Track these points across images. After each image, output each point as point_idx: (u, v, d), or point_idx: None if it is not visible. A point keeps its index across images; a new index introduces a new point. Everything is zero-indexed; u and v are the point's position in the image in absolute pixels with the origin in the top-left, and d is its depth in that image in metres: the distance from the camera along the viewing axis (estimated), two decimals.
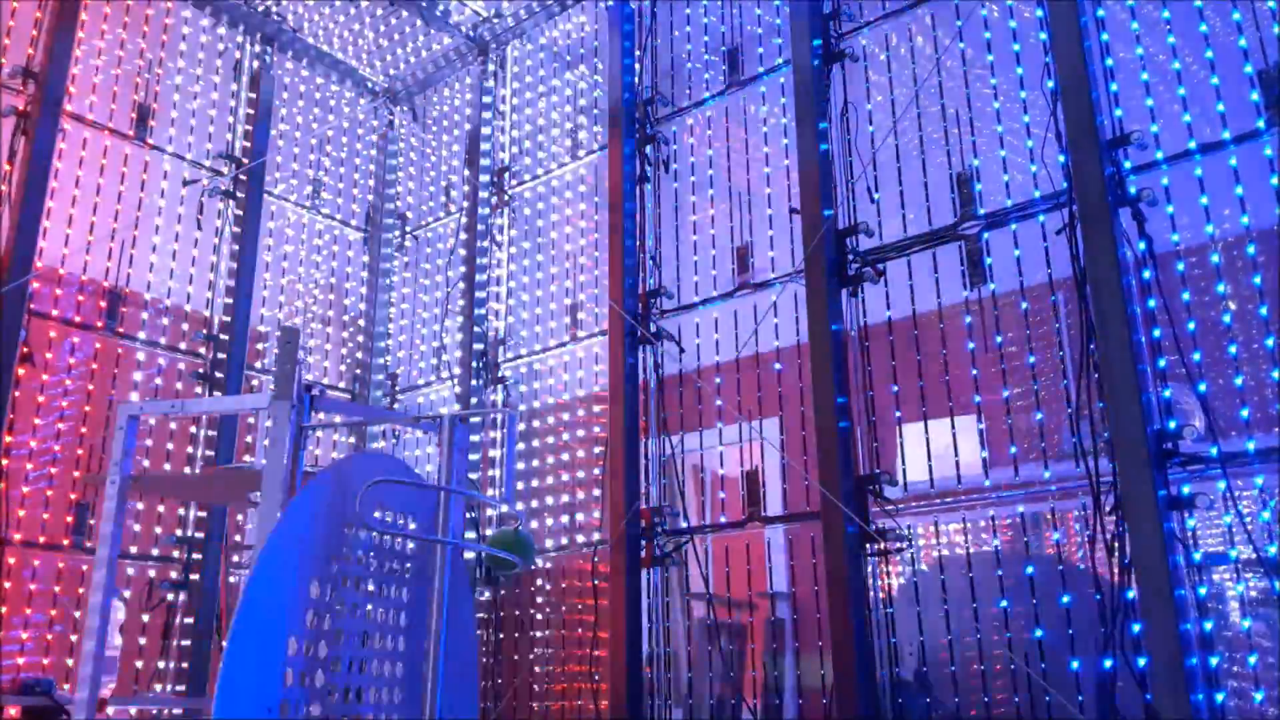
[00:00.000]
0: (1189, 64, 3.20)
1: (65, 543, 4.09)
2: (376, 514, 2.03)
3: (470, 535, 4.72)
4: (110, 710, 3.11)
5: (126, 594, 4.22)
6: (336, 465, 1.94)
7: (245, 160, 5.11)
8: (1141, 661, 2.81)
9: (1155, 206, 3.11)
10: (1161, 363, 3.03)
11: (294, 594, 1.72)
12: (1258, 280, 2.96)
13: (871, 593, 3.44)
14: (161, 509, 4.49)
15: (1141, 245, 3.11)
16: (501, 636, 4.66)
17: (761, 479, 4.00)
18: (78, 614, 4.00)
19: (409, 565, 2.10)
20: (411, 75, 5.90)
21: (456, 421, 2.02)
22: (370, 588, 2.01)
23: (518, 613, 4.65)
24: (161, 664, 4.32)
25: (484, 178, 5.31)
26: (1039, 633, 3.13)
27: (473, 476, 4.81)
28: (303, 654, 1.74)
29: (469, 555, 4.50)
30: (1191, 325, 3.03)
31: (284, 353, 2.08)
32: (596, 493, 4.51)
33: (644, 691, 3.97)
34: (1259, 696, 2.75)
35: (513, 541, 2.11)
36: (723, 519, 4.08)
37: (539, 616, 4.64)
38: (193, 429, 4.69)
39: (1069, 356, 3.26)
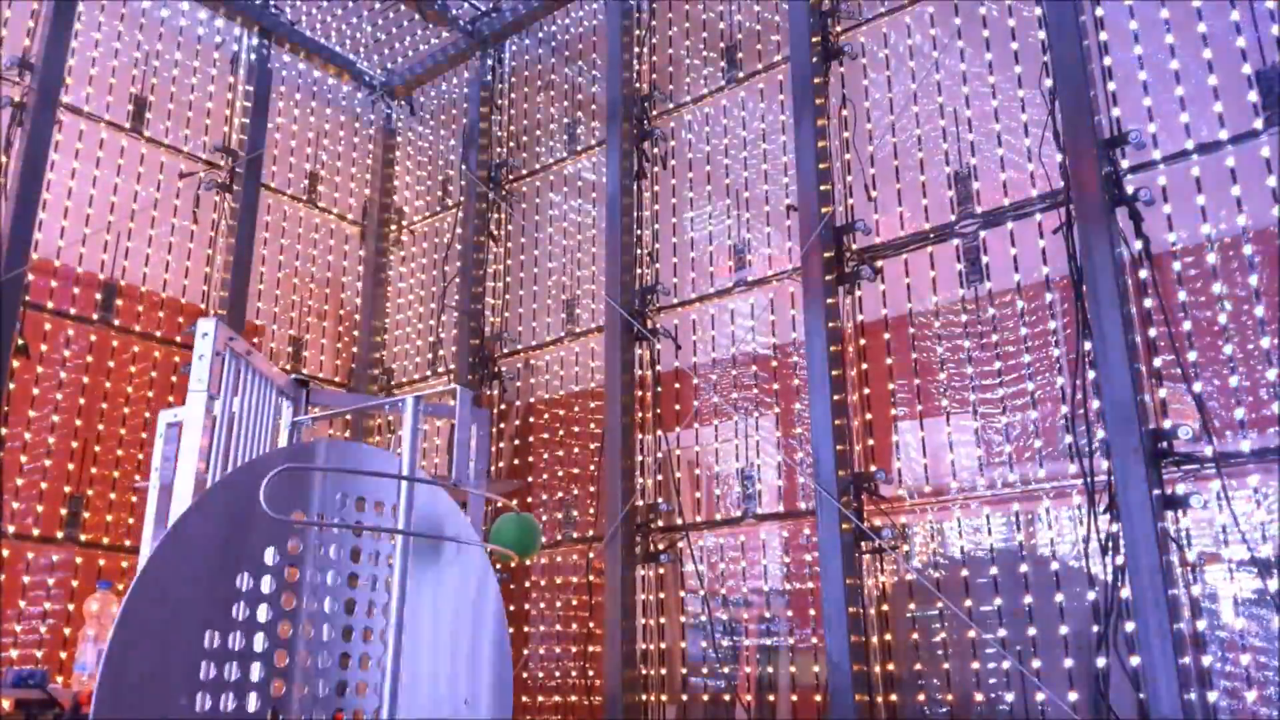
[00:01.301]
0: (1187, 64, 3.19)
1: (59, 535, 4.09)
2: (351, 508, 2.00)
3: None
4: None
5: (120, 586, 4.20)
6: (261, 456, 1.91)
7: (242, 153, 5.10)
8: (1135, 660, 2.81)
9: (1152, 206, 3.11)
10: (1157, 362, 3.04)
11: (210, 587, 1.73)
12: (1254, 280, 2.96)
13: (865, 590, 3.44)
14: None
15: (1138, 244, 3.11)
16: None
17: (757, 476, 3.99)
18: (71, 607, 4.00)
19: (385, 559, 2.08)
20: (409, 69, 5.88)
21: (419, 404, 1.98)
22: (356, 581, 1.99)
23: (512, 608, 4.65)
24: None
25: (482, 172, 5.30)
26: (1032, 630, 3.13)
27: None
28: (239, 648, 1.74)
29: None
30: (1187, 325, 3.04)
31: (200, 344, 2.07)
32: (592, 489, 4.50)
33: (639, 688, 3.98)
34: (1251, 696, 2.75)
35: (512, 528, 2.03)
36: (718, 516, 4.08)
37: (533, 612, 4.64)
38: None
39: (1065, 355, 3.26)
